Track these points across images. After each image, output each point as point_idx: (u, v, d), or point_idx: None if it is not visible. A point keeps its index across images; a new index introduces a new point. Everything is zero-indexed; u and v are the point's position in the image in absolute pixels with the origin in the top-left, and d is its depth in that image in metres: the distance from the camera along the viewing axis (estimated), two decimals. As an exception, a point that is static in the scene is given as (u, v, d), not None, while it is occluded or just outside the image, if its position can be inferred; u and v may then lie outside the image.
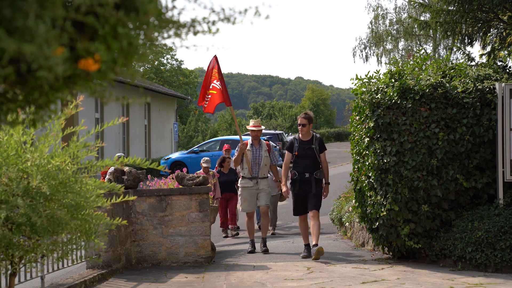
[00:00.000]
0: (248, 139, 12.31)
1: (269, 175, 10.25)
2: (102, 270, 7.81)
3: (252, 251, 9.61)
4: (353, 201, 9.51)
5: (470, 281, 7.01)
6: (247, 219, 9.76)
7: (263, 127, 9.92)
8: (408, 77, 8.28)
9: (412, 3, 25.79)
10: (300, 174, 8.74)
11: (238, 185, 9.74)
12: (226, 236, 12.17)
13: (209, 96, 10.06)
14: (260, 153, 9.60)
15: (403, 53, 33.63)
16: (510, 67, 8.87)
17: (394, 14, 33.89)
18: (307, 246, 8.87)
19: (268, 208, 9.77)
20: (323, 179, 8.88)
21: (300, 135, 8.93)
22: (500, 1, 10.19)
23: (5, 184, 4.20)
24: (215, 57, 10.18)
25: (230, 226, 12.50)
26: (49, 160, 4.39)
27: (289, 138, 12.29)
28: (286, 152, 9.01)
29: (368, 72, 8.73)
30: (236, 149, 9.70)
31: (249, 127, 9.78)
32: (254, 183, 9.55)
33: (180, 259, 8.73)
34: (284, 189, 9.05)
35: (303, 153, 8.76)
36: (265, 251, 9.44)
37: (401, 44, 34.33)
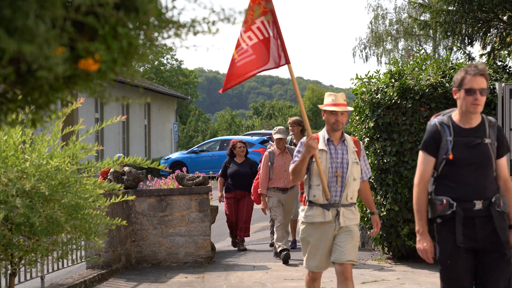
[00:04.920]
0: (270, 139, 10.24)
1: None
2: (102, 270, 7.82)
3: None
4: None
5: (470, 281, 7.01)
6: (309, 280, 5.20)
7: (350, 108, 5.08)
8: (408, 77, 8.28)
9: (412, 3, 25.81)
10: (461, 204, 3.79)
11: (299, 218, 5.10)
12: (238, 248, 9.91)
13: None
14: (344, 157, 4.97)
15: (403, 53, 33.63)
16: (510, 67, 8.87)
17: (394, 14, 33.90)
18: None
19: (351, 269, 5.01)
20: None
21: (458, 116, 3.95)
22: (500, 1, 10.19)
23: (5, 184, 4.21)
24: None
25: (238, 238, 9.88)
26: (48, 160, 4.39)
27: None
28: (423, 153, 3.99)
29: (368, 72, 8.73)
30: (299, 148, 5.01)
31: (325, 107, 4.97)
32: (333, 215, 4.92)
33: (180, 259, 8.74)
34: (423, 244, 3.93)
35: (466, 156, 3.87)
36: None
37: (401, 44, 34.33)
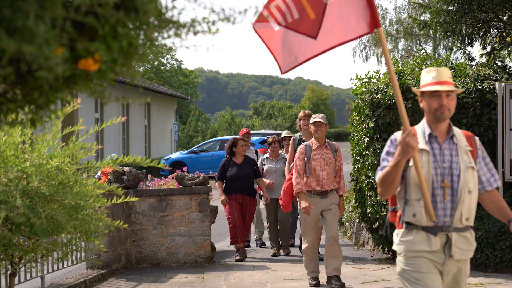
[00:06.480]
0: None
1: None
2: (102, 270, 7.82)
3: None
4: (353, 201, 9.51)
5: (470, 281, 7.01)
6: None
7: (459, 89, 3.63)
8: (408, 77, 8.28)
9: (412, 3, 25.81)
10: None
11: (394, 246, 3.69)
12: (241, 259, 8.81)
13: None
14: (453, 160, 3.49)
15: (403, 53, 33.63)
16: (510, 67, 8.87)
17: (394, 14, 33.91)
18: None
19: None
20: None
21: None
22: (500, 1, 10.19)
23: (5, 184, 4.21)
24: None
25: (238, 245, 8.91)
26: (48, 160, 4.39)
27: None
28: None
29: (368, 72, 8.73)
30: (388, 149, 3.59)
31: (424, 87, 3.58)
32: (441, 243, 3.44)
33: (180, 259, 8.74)
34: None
35: None
36: None
37: (401, 44, 34.32)
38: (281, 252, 9.27)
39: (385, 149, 3.55)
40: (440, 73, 3.51)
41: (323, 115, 7.22)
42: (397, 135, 3.50)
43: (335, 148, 7.10)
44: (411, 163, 3.43)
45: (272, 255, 9.17)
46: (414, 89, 3.71)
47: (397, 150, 3.35)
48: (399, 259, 3.56)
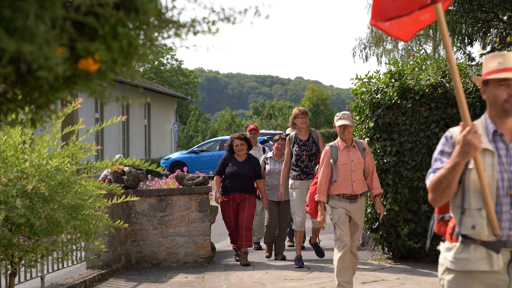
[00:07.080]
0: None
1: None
2: (102, 270, 7.82)
3: None
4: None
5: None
6: None
7: None
8: (408, 77, 8.29)
9: (412, 3, 25.77)
10: None
11: (442, 261, 2.98)
12: (239, 260, 8.67)
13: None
14: None
15: (403, 53, 33.62)
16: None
17: (394, 14, 33.86)
18: None
19: None
20: None
21: None
22: (500, 1, 10.20)
23: (5, 184, 4.21)
24: None
25: (240, 250, 8.58)
26: (48, 160, 4.39)
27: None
28: None
29: (368, 72, 8.73)
30: (442, 148, 2.96)
31: (489, 75, 2.92)
32: (504, 262, 2.84)
33: (180, 259, 8.74)
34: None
35: None
36: None
37: (401, 44, 34.32)
38: (274, 256, 8.89)
39: (439, 147, 2.97)
40: (508, 58, 2.92)
41: (348, 113, 6.52)
42: (454, 132, 2.96)
43: (363, 147, 6.48)
44: (471, 166, 2.86)
45: (266, 257, 8.97)
46: (475, 77, 3.05)
47: (456, 149, 2.77)
48: (447, 277, 2.92)
